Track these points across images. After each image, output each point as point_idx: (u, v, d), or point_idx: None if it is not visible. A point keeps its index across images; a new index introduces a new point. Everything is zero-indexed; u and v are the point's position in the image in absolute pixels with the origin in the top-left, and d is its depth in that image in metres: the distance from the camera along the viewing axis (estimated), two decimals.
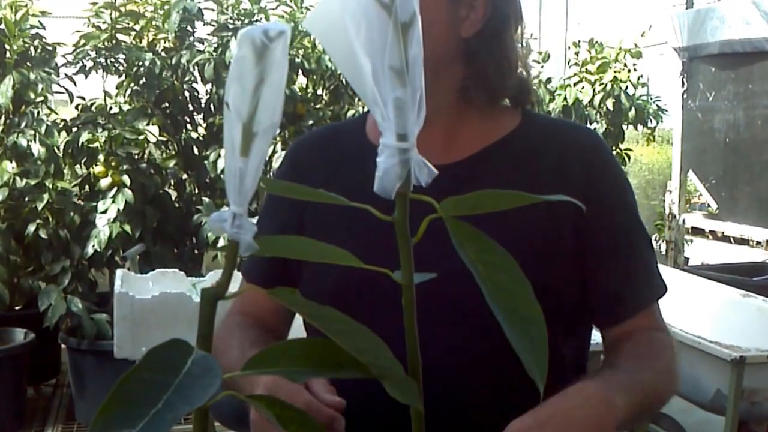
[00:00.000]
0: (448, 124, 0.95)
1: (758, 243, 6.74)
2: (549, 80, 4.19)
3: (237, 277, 1.40)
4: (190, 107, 3.67)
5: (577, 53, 4.30)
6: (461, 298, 0.83)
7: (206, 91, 3.65)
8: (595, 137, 1.02)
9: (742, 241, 6.79)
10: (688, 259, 5.07)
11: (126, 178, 3.23)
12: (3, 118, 3.35)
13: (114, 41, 3.42)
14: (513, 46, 0.95)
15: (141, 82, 3.47)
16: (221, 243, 3.20)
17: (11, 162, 3.23)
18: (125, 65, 3.47)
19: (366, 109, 1.06)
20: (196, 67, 3.50)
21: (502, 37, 0.94)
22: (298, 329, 1.08)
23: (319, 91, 3.80)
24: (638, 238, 0.98)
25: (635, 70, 4.19)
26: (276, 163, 3.36)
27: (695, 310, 2.98)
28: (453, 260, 0.53)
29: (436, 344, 0.81)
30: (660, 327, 0.99)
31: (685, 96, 4.62)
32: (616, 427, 0.77)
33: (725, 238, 6.77)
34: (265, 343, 0.95)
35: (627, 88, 4.12)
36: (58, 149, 3.34)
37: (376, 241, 0.63)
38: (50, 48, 3.41)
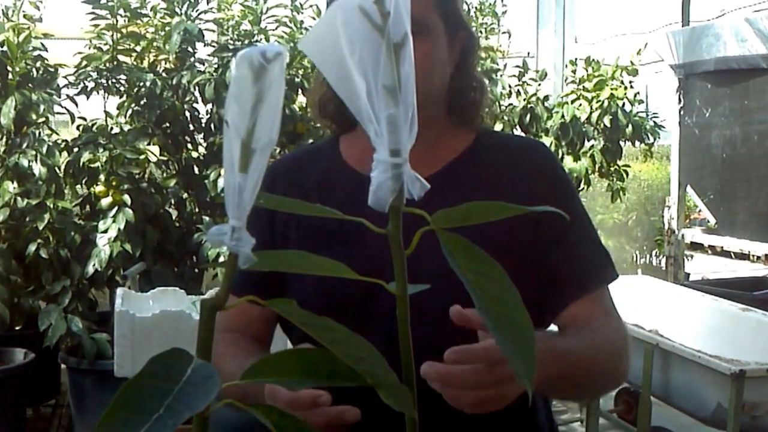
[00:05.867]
0: (430, 141, 1.05)
1: (758, 258, 6.75)
2: (546, 98, 4.22)
3: None
4: (191, 127, 3.69)
5: (574, 71, 4.34)
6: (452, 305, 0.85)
7: (207, 111, 3.67)
8: (540, 145, 1.16)
9: (742, 256, 6.81)
10: (689, 274, 5.08)
11: (127, 198, 3.24)
12: (5, 139, 3.37)
13: (115, 62, 3.45)
14: (476, 68, 1.11)
15: (142, 102, 3.49)
16: (222, 260, 3.21)
17: (12, 182, 3.25)
18: (126, 86, 3.50)
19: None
20: (196, 88, 3.52)
21: (472, 63, 1.09)
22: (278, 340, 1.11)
23: None
24: (583, 227, 1.08)
25: (632, 87, 4.22)
26: None
27: (696, 324, 2.99)
28: (444, 270, 0.54)
29: (428, 352, 0.83)
30: (610, 313, 1.06)
31: (681, 112, 4.65)
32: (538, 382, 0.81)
33: (725, 253, 6.79)
34: (259, 353, 0.98)
35: (624, 104, 4.15)
36: (59, 169, 3.37)
37: (361, 257, 0.65)
38: (52, 69, 3.44)
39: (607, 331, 1.01)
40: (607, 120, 4.08)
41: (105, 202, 3.26)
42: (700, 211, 5.33)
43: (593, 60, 4.26)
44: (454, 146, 1.08)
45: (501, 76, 4.12)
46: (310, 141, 3.57)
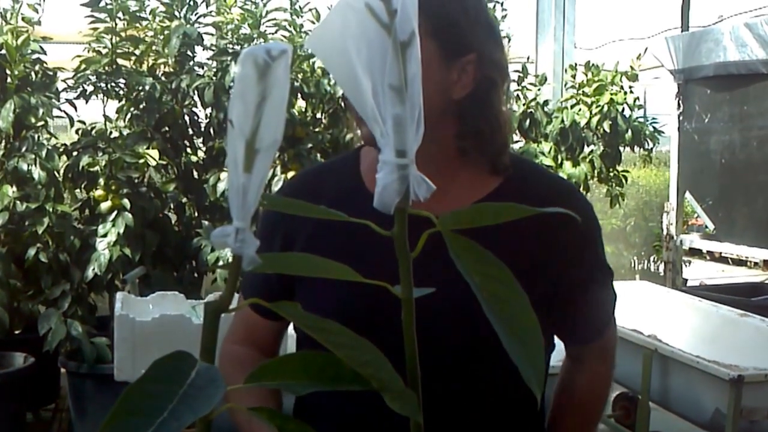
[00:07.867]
0: (439, 177, 0.97)
1: (756, 264, 6.76)
2: (546, 103, 4.22)
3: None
4: (190, 131, 3.68)
5: (573, 76, 4.34)
6: (460, 310, 0.84)
7: (206, 115, 3.66)
8: (570, 187, 1.09)
9: (740, 262, 6.81)
10: (687, 279, 5.07)
11: (126, 202, 3.24)
12: (4, 143, 3.36)
13: (114, 66, 3.44)
14: (501, 104, 0.99)
15: (141, 106, 3.49)
16: (221, 264, 3.20)
17: (12, 186, 3.24)
18: (125, 90, 3.49)
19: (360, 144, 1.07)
20: (195, 92, 3.52)
21: (492, 96, 0.97)
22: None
23: (318, 115, 3.82)
24: (602, 277, 1.06)
25: (631, 92, 4.22)
26: (276, 186, 3.37)
27: (694, 330, 2.98)
28: (451, 273, 0.54)
29: (435, 355, 0.82)
30: (606, 354, 1.11)
31: (681, 118, 4.65)
32: None
33: (723, 259, 6.79)
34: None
35: (623, 110, 4.15)
36: (59, 173, 3.36)
37: (372, 267, 0.65)
38: (51, 73, 3.43)
39: (600, 400, 1.12)
40: (606, 125, 4.08)
41: (104, 206, 3.25)
42: (698, 216, 5.33)
43: (593, 65, 4.26)
44: (471, 190, 0.98)
45: None
46: (309, 146, 3.57)
